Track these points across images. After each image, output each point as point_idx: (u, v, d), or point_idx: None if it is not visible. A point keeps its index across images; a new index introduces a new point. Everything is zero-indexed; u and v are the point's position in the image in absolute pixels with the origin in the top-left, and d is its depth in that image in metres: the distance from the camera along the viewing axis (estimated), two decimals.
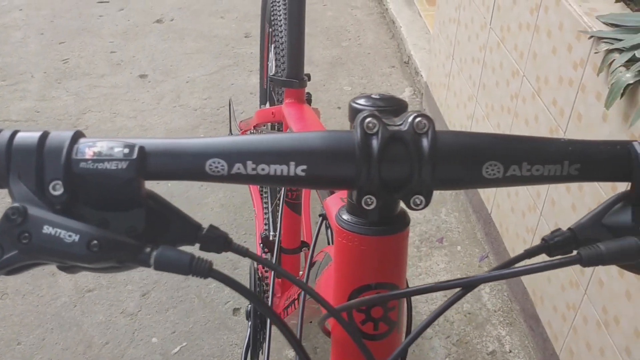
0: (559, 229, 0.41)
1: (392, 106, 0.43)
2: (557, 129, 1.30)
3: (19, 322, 1.59)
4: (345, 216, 0.46)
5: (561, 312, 1.36)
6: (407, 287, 0.48)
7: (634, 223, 0.39)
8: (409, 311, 0.60)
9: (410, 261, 1.74)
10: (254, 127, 1.27)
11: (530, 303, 1.51)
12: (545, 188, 1.39)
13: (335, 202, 0.65)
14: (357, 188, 0.40)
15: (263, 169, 0.39)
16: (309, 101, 1.41)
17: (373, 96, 0.44)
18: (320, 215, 0.74)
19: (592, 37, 1.14)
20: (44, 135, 0.38)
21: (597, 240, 0.38)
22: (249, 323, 1.06)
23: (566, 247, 0.40)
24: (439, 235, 1.82)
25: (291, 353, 1.49)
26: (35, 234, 0.36)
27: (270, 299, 0.92)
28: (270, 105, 1.57)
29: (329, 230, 0.89)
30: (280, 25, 1.12)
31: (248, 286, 1.06)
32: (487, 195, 1.74)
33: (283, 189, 1.25)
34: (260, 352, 1.10)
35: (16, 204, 0.36)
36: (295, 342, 0.45)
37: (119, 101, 2.40)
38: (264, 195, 1.47)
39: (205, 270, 0.39)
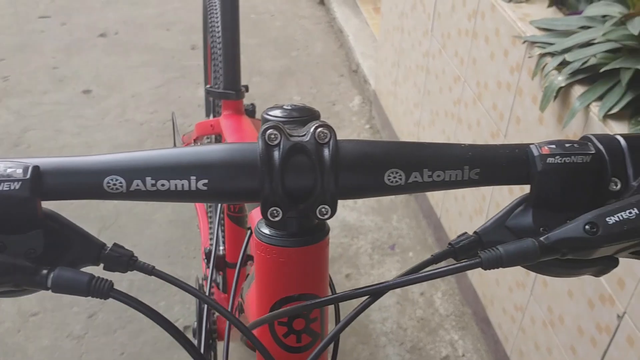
0: (465, 233, 0.42)
1: (304, 116, 0.43)
2: (498, 132, 1.32)
3: None
4: (264, 229, 0.45)
5: (510, 314, 1.38)
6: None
7: (534, 224, 0.40)
8: (337, 321, 0.59)
9: (362, 269, 1.74)
10: (194, 140, 1.25)
11: (481, 306, 1.53)
12: (489, 191, 1.41)
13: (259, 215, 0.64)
14: (261, 200, 0.39)
15: (163, 185, 0.38)
16: (253, 112, 1.40)
17: (285, 107, 0.44)
18: (248, 229, 0.73)
19: (525, 41, 1.16)
20: None
21: (501, 243, 0.38)
22: (195, 342, 1.03)
23: (472, 250, 0.41)
24: (390, 242, 1.83)
25: None
26: None
27: (204, 317, 0.90)
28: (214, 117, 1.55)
29: None
30: (217, 36, 1.11)
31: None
32: (436, 200, 1.76)
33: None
34: None
35: None
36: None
37: (62, 118, 2.34)
38: (209, 209, 1.45)
39: (105, 291, 0.38)
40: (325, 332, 0.50)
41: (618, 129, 0.96)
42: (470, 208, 1.52)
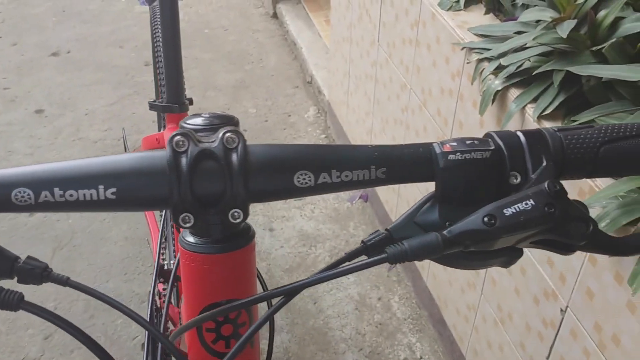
0: (378, 231, 0.43)
1: (221, 124, 0.44)
2: (443, 137, 1.35)
3: None
4: (188, 237, 0.46)
5: (463, 314, 1.41)
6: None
7: (440, 219, 0.41)
8: (270, 324, 0.60)
9: None
10: None
11: (437, 308, 1.55)
12: None
13: None
14: (171, 207, 0.40)
15: (72, 195, 0.39)
16: None
17: (203, 115, 0.45)
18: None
19: (464, 48, 1.20)
20: None
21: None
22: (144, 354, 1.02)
23: (383, 246, 0.42)
24: (348, 250, 1.84)
25: None
26: None
27: (161, 327, 0.90)
28: None
29: None
30: (160, 51, 1.11)
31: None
32: (391, 206, 1.78)
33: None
34: None
35: None
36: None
37: (14, 139, 2.30)
38: (160, 222, 1.44)
39: (14, 303, 0.38)
40: (256, 336, 0.51)
41: None
42: None
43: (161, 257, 1.34)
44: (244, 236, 0.46)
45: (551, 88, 1.02)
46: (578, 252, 0.93)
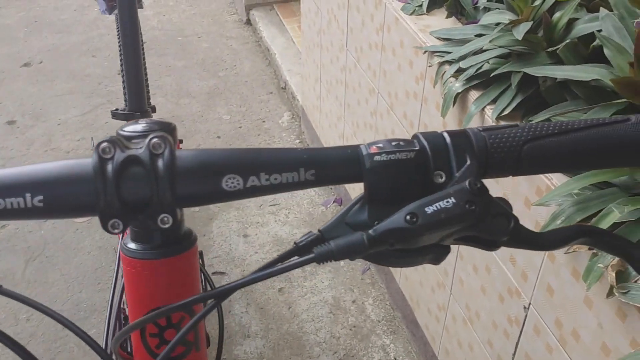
0: (310, 232, 0.44)
1: (157, 130, 0.44)
2: None
3: None
4: (129, 243, 0.46)
5: (434, 314, 1.42)
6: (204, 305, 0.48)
7: (369, 219, 0.42)
8: (220, 327, 0.61)
9: (295, 282, 1.76)
10: None
11: (410, 309, 1.56)
12: None
13: None
14: (98, 213, 0.40)
15: None
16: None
17: (139, 122, 0.45)
18: None
19: (426, 52, 1.21)
20: None
21: None
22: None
23: (314, 247, 0.43)
24: None
25: None
26: None
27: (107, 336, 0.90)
28: None
29: None
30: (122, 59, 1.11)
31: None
32: None
33: None
34: None
35: None
36: None
37: None
38: None
39: None
40: (200, 339, 0.51)
41: None
42: None
43: None
44: (185, 241, 0.47)
45: (509, 89, 1.04)
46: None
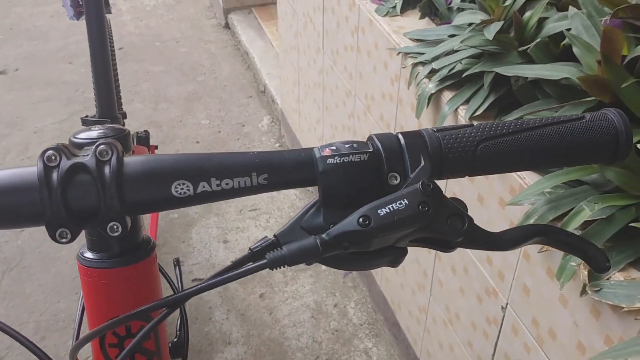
0: (266, 237, 0.43)
1: (109, 136, 0.43)
2: None
3: None
4: (86, 253, 0.45)
5: (415, 316, 1.41)
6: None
7: (324, 223, 0.42)
8: (185, 334, 0.60)
9: (276, 287, 1.74)
10: None
11: (391, 312, 1.56)
12: None
13: None
14: (45, 223, 0.39)
15: None
16: (147, 139, 1.39)
17: (92, 128, 0.44)
18: None
19: (400, 53, 1.21)
20: None
21: None
22: None
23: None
24: None
25: None
26: None
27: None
28: None
29: None
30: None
31: None
32: None
33: None
34: None
35: None
36: None
37: None
38: None
39: None
40: (162, 348, 0.50)
41: None
42: None
43: None
44: (143, 249, 0.46)
45: (482, 89, 1.04)
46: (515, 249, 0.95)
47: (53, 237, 0.40)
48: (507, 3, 1.07)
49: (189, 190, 0.40)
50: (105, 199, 0.39)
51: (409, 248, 0.42)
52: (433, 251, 1.25)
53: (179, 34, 3.10)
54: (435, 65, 1.09)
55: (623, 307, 0.71)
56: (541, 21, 1.01)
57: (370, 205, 0.39)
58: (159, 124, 2.43)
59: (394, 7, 1.34)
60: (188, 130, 2.40)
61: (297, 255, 0.38)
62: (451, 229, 0.39)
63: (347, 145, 0.42)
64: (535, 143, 0.42)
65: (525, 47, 0.99)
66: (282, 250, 0.39)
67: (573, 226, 0.76)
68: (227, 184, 0.41)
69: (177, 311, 0.94)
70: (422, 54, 1.16)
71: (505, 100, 1.02)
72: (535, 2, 1.03)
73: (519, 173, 0.91)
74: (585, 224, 0.76)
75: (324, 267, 1.79)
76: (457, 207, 0.40)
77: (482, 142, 0.42)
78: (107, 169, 0.39)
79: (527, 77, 0.96)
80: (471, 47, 1.06)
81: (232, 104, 2.57)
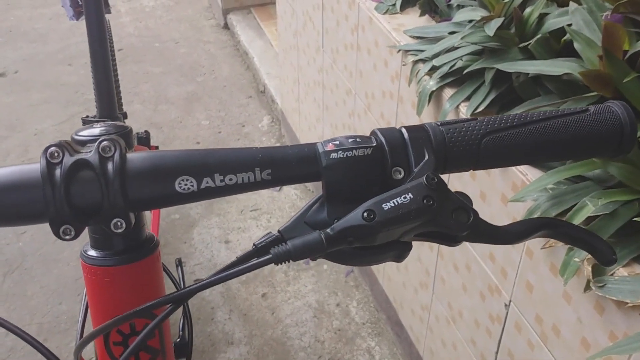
0: (270, 232, 0.43)
1: (111, 133, 0.43)
2: None
3: None
4: (89, 251, 0.45)
5: (418, 315, 1.41)
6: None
7: (328, 217, 0.42)
8: (189, 334, 0.60)
9: (278, 287, 1.74)
10: None
11: (394, 310, 1.56)
12: None
13: None
14: (48, 220, 0.39)
15: None
16: (147, 139, 1.38)
17: (94, 126, 0.44)
18: None
19: (400, 50, 1.21)
20: None
21: None
22: None
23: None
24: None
25: None
26: None
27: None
28: None
29: None
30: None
31: None
32: None
33: None
34: None
35: None
36: None
37: None
38: None
39: None
40: (167, 346, 0.50)
41: None
42: None
43: None
44: (146, 247, 0.45)
45: (483, 86, 1.03)
46: (517, 246, 0.95)
47: (57, 234, 0.40)
48: (507, 0, 1.06)
49: (192, 186, 0.40)
50: (108, 195, 0.39)
51: (412, 245, 0.42)
52: (435, 249, 1.25)
53: (178, 34, 3.09)
54: (436, 62, 1.09)
55: (627, 303, 0.71)
56: (542, 17, 1.01)
57: (374, 200, 0.38)
58: (159, 125, 2.43)
59: (394, 4, 1.33)
60: (188, 131, 2.40)
61: (302, 250, 0.38)
62: (456, 222, 0.39)
63: (350, 140, 0.42)
64: (539, 136, 0.41)
65: (526, 43, 0.99)
66: (286, 246, 0.39)
67: (576, 222, 0.76)
68: (230, 179, 0.40)
69: (180, 311, 0.94)
70: (423, 51, 1.15)
71: (507, 97, 1.02)
72: None
73: (521, 169, 0.90)
74: (589, 220, 0.76)
75: (325, 266, 1.79)
76: (462, 201, 0.40)
77: (486, 136, 0.41)
78: (110, 165, 0.39)
79: (528, 73, 0.96)
80: (472, 43, 1.05)
81: (232, 104, 2.57)
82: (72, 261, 1.83)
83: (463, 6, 1.22)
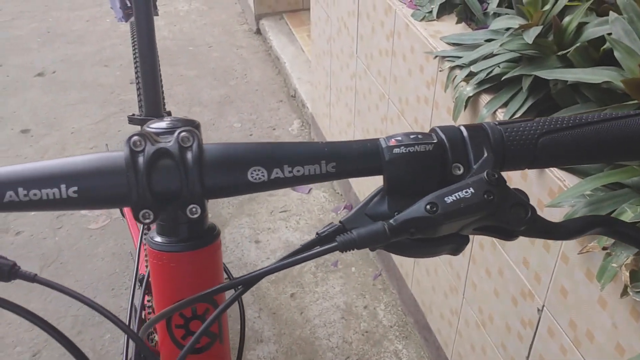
0: (332, 223, 0.45)
1: (182, 126, 0.46)
2: None
3: None
4: (155, 237, 0.48)
5: (447, 319, 1.42)
6: (225, 299, 0.50)
7: (389, 210, 0.43)
8: (242, 323, 0.62)
9: (307, 287, 1.76)
10: None
11: (422, 314, 1.57)
12: None
13: None
14: (131, 204, 0.42)
15: (35, 195, 0.40)
16: None
17: (165, 119, 0.47)
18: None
19: (437, 56, 1.23)
20: None
21: None
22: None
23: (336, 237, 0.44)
24: (333, 260, 1.86)
25: None
26: None
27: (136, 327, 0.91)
28: None
29: None
30: (137, 63, 1.13)
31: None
32: None
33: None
34: None
35: None
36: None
37: (0, 158, 2.31)
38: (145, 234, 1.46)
39: (5, 273, 0.40)
40: (224, 331, 0.52)
41: None
42: None
43: (144, 269, 1.35)
44: (209, 235, 0.48)
45: (520, 93, 1.05)
46: (552, 252, 0.95)
47: (137, 217, 0.42)
48: (545, 8, 1.08)
49: (263, 176, 0.42)
50: (187, 182, 0.42)
51: (469, 239, 0.44)
52: (467, 254, 1.26)
53: (211, 39, 3.15)
54: (473, 68, 1.10)
55: None
56: (581, 26, 1.02)
57: (436, 193, 0.40)
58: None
59: (430, 12, 1.35)
60: (221, 133, 2.44)
61: (366, 238, 0.40)
62: (515, 217, 0.41)
63: (412, 136, 0.44)
64: (594, 138, 0.43)
65: (564, 52, 1.00)
66: (352, 234, 0.41)
67: None
68: (298, 171, 0.43)
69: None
70: (460, 57, 1.17)
71: (544, 104, 1.03)
72: (574, 7, 1.04)
73: (557, 175, 0.92)
74: None
75: (353, 268, 1.81)
76: (521, 198, 0.41)
77: (542, 135, 0.43)
78: (189, 155, 0.42)
79: (566, 81, 0.97)
80: (510, 51, 1.07)
81: (264, 108, 2.60)
82: (107, 257, 1.87)
83: (500, 14, 1.23)
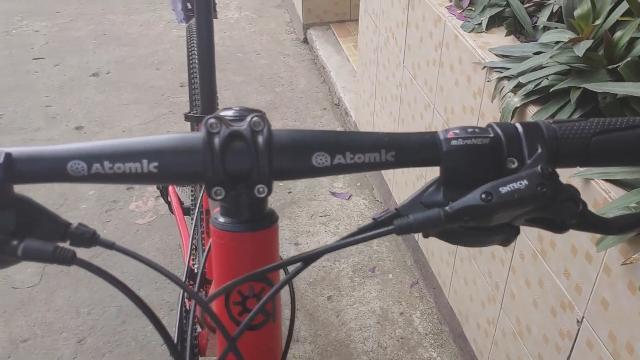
0: (388, 209, 0.48)
1: (251, 113, 0.49)
2: None
3: None
4: (219, 218, 0.51)
5: (483, 328, 1.43)
6: (279, 280, 0.53)
7: (444, 200, 0.46)
8: (292, 308, 0.65)
9: (344, 291, 1.79)
10: None
11: (457, 323, 1.57)
12: None
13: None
14: (205, 181, 0.45)
15: (119, 168, 0.44)
16: None
17: (235, 108, 0.50)
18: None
19: (485, 67, 1.25)
20: None
21: None
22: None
23: (391, 223, 0.46)
24: (371, 265, 1.88)
25: None
26: None
27: (189, 327, 0.95)
28: None
29: None
30: (195, 66, 1.18)
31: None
32: None
33: (200, 220, 1.29)
34: None
35: None
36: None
37: None
38: (192, 225, 1.50)
39: (68, 259, 0.43)
40: (277, 311, 0.55)
41: None
42: None
43: (191, 261, 1.40)
44: (269, 219, 0.51)
45: (568, 105, 1.06)
46: (594, 263, 0.96)
47: (209, 194, 0.46)
48: (597, 22, 1.09)
49: (326, 161, 0.45)
50: (257, 163, 0.45)
51: (520, 230, 0.46)
52: (507, 264, 1.27)
53: (259, 46, 3.22)
54: (522, 79, 1.12)
55: None
56: (632, 41, 1.03)
57: (492, 183, 0.42)
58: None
59: (480, 24, 1.38)
60: None
61: (422, 223, 0.43)
62: (566, 210, 0.43)
63: (469, 130, 0.46)
64: None
65: (614, 66, 1.01)
66: (408, 218, 0.43)
67: None
68: (359, 158, 0.46)
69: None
70: (508, 68, 1.19)
71: (592, 117, 1.04)
72: (626, 23, 1.05)
73: (603, 187, 0.92)
74: None
75: (390, 275, 1.82)
76: (572, 192, 0.43)
77: (596, 135, 0.45)
78: (260, 138, 0.45)
79: (615, 95, 0.98)
80: (559, 63, 1.08)
81: (307, 114, 2.65)
82: (152, 251, 1.93)
83: (549, 28, 1.24)
